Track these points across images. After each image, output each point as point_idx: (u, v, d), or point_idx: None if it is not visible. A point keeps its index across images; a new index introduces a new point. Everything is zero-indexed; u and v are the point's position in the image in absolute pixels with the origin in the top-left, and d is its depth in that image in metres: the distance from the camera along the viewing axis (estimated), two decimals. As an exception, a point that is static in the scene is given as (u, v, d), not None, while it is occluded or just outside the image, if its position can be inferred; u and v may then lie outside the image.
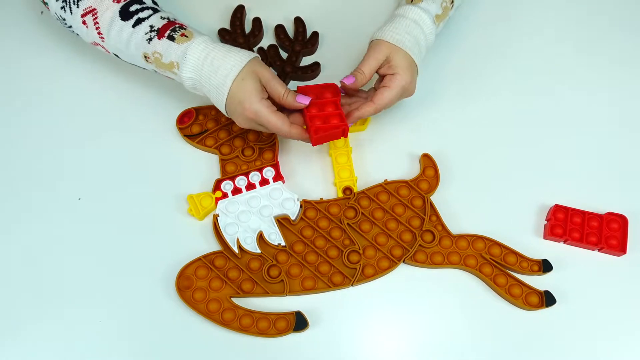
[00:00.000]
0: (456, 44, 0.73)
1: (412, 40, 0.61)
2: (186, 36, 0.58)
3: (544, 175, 0.66)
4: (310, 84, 0.64)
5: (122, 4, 0.59)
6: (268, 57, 0.71)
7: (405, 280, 0.61)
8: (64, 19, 0.62)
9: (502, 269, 0.61)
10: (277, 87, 0.58)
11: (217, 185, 0.64)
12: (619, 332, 0.59)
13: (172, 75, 0.60)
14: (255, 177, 0.64)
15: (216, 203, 0.63)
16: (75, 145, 0.67)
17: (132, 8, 0.59)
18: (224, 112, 0.60)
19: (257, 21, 0.73)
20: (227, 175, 0.65)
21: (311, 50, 0.72)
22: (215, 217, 0.62)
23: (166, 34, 0.58)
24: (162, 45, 0.58)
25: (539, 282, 0.61)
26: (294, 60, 0.71)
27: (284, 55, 0.72)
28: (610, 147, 0.68)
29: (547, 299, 0.59)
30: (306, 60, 0.72)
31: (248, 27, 0.73)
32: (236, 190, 0.64)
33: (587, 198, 0.64)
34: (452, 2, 0.65)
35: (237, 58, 0.57)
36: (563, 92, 0.71)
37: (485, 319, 0.60)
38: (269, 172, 0.65)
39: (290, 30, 0.73)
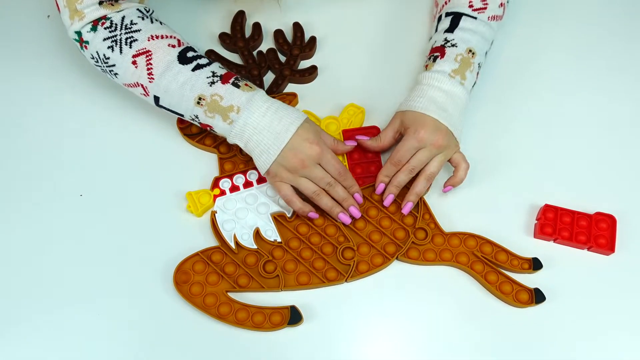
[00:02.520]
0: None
1: (425, 101, 0.63)
2: (250, 87, 0.61)
3: (535, 176, 0.67)
4: (352, 126, 0.69)
5: (179, 49, 0.61)
6: (267, 60, 0.73)
7: (398, 276, 0.62)
8: (108, 58, 0.61)
9: (493, 267, 0.62)
10: (328, 137, 0.63)
11: (215, 183, 0.66)
12: (606, 329, 0.60)
13: (218, 123, 0.60)
14: (252, 175, 0.66)
15: (214, 200, 0.64)
16: (77, 143, 0.69)
17: (189, 54, 0.61)
18: (267, 162, 0.60)
19: (256, 26, 0.75)
20: (225, 173, 0.66)
21: (309, 55, 0.74)
22: (213, 213, 0.64)
23: (230, 81, 0.60)
24: (225, 89, 0.59)
25: (529, 279, 0.62)
26: (292, 63, 0.73)
27: (282, 58, 0.74)
28: (600, 148, 0.69)
29: (537, 297, 0.60)
30: (304, 64, 0.74)
31: (248, 32, 0.75)
32: (234, 188, 0.65)
33: (576, 198, 0.65)
34: (470, 50, 0.64)
35: (299, 112, 0.61)
36: (554, 94, 0.72)
37: (476, 315, 0.61)
38: (266, 171, 0.66)
39: (289, 35, 0.75)
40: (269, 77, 0.72)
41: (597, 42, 0.76)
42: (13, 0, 0.78)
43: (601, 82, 0.73)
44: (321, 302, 0.61)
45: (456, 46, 0.65)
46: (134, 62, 0.60)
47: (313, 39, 0.74)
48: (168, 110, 0.63)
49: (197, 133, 0.68)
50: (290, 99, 0.70)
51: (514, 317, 0.60)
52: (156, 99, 0.62)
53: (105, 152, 0.68)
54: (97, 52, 0.61)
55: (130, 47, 0.60)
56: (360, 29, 0.76)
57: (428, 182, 0.63)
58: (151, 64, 0.60)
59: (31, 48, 0.75)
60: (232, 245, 0.62)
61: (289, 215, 0.64)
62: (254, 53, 0.74)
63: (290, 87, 0.73)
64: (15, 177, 0.67)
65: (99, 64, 0.62)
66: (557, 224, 0.64)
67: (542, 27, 0.77)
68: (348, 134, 0.68)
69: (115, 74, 0.62)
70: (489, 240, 0.63)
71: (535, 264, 0.62)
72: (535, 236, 0.64)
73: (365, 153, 0.67)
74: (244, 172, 0.66)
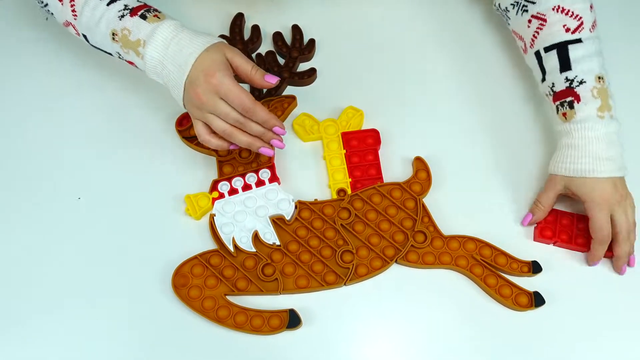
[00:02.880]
0: (450, 52, 0.75)
1: (591, 161, 0.59)
2: (158, 17, 0.58)
3: (534, 179, 0.67)
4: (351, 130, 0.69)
5: None
6: (266, 63, 0.73)
7: (398, 279, 0.62)
8: None
9: (492, 270, 0.62)
10: (244, 64, 0.57)
11: (214, 186, 0.65)
12: (606, 333, 0.60)
13: (134, 59, 0.59)
14: (251, 178, 0.66)
15: (213, 203, 0.64)
16: (76, 146, 0.69)
17: None
18: (179, 98, 0.58)
19: (255, 28, 0.75)
20: (224, 176, 0.66)
21: (308, 57, 0.74)
22: (212, 216, 0.64)
23: (139, 13, 0.58)
24: (132, 22, 0.57)
25: (528, 283, 0.61)
26: (291, 66, 0.73)
27: (281, 61, 0.74)
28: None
29: (537, 300, 0.60)
30: (303, 67, 0.74)
31: (247, 34, 0.75)
32: (233, 191, 0.65)
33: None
34: (599, 77, 0.60)
35: (205, 39, 0.57)
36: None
37: (475, 319, 0.60)
38: (265, 174, 0.66)
39: (287, 37, 0.75)
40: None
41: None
42: (11, 2, 0.78)
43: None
44: (320, 305, 0.61)
45: (585, 82, 0.59)
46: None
47: (312, 42, 0.74)
48: (99, 49, 0.61)
49: (195, 136, 0.68)
50: (289, 102, 0.70)
51: (513, 320, 0.60)
52: (85, 37, 0.61)
53: (103, 155, 0.68)
54: None
55: None
56: (359, 32, 0.76)
57: (632, 235, 0.61)
58: (73, 0, 0.59)
59: (29, 50, 0.75)
60: (231, 248, 0.62)
61: (287, 219, 0.64)
62: (253, 55, 0.74)
63: (289, 90, 0.73)
64: (13, 179, 0.67)
65: (39, 2, 0.63)
66: (556, 226, 0.64)
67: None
68: (347, 137, 0.68)
69: (52, 13, 0.62)
70: (488, 243, 0.63)
71: (534, 267, 0.62)
72: (534, 239, 0.64)
73: (364, 156, 0.67)
74: (243, 175, 0.66)
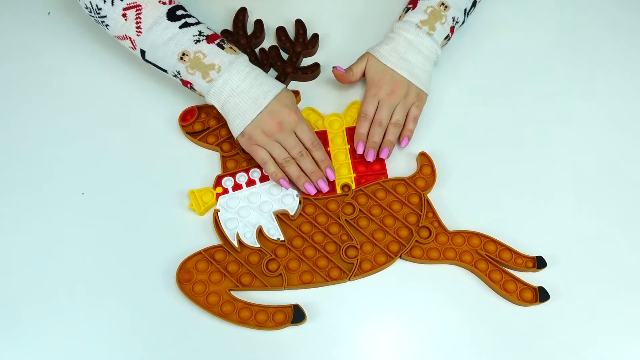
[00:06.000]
0: (454, 47, 0.74)
1: (388, 50, 0.67)
2: (235, 51, 0.63)
3: (538, 174, 0.67)
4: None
5: (169, 6, 0.63)
6: (269, 57, 0.73)
7: (402, 275, 0.62)
8: (100, 9, 0.63)
9: (497, 265, 0.62)
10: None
11: (217, 181, 0.65)
12: (611, 327, 0.60)
13: (198, 80, 0.62)
14: (255, 173, 0.66)
15: (217, 198, 0.64)
16: (80, 142, 0.69)
17: (179, 12, 0.63)
18: (239, 124, 0.62)
19: (259, 23, 0.74)
20: (227, 171, 0.66)
21: (311, 52, 0.74)
22: (216, 212, 0.64)
23: (216, 42, 0.62)
24: (209, 48, 0.62)
25: (533, 278, 0.62)
26: (294, 61, 0.72)
27: (284, 56, 0.73)
28: (604, 145, 0.69)
29: (541, 295, 0.60)
30: (306, 61, 0.74)
31: (250, 29, 0.75)
32: (236, 186, 0.65)
33: (581, 197, 0.65)
34: (443, 3, 0.67)
35: (277, 82, 0.64)
36: (557, 93, 0.72)
37: (480, 314, 0.60)
38: (269, 169, 0.66)
39: (291, 32, 0.75)
40: (271, 75, 0.72)
41: (601, 43, 0.76)
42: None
43: (607, 81, 0.73)
44: (324, 300, 0.61)
45: (429, 0, 0.67)
46: (124, 15, 0.62)
47: (315, 36, 0.74)
48: (153, 64, 0.64)
49: (199, 131, 0.68)
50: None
51: (518, 315, 0.60)
52: (142, 52, 0.64)
53: (107, 150, 0.68)
54: (90, 2, 0.63)
55: (122, 0, 0.62)
56: (363, 26, 0.76)
57: (397, 129, 0.66)
58: (140, 18, 0.62)
59: (32, 45, 0.74)
60: (235, 243, 0.62)
61: (292, 214, 0.64)
62: (256, 50, 0.74)
63: (293, 85, 0.72)
64: (17, 176, 0.67)
65: (92, 14, 0.64)
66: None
67: (546, 28, 0.77)
68: (352, 132, 0.68)
69: (107, 25, 0.64)
70: (493, 238, 0.63)
71: (539, 263, 0.62)
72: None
73: None
74: (247, 171, 0.66)
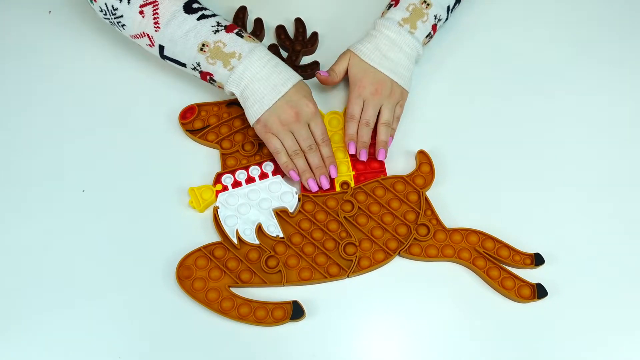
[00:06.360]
0: (452, 44, 0.75)
1: (370, 48, 0.67)
2: (253, 40, 0.64)
3: (536, 171, 0.67)
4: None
5: (184, 0, 0.63)
6: (269, 56, 0.73)
7: (400, 272, 0.62)
8: (116, 9, 0.63)
9: (495, 262, 0.62)
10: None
11: (217, 179, 0.66)
12: (609, 324, 0.60)
13: (218, 69, 0.62)
14: (254, 171, 0.66)
15: (216, 196, 0.65)
16: (80, 139, 0.69)
17: (195, 5, 0.64)
18: (256, 110, 0.62)
19: (258, 22, 0.75)
20: (227, 169, 0.66)
21: (311, 50, 0.74)
22: (216, 209, 0.64)
23: (235, 31, 0.63)
24: (229, 37, 0.62)
25: (531, 275, 0.62)
26: (294, 59, 0.73)
27: (284, 54, 0.74)
28: (602, 142, 0.69)
29: (539, 292, 0.60)
30: (306, 60, 0.74)
31: (250, 28, 0.75)
32: (236, 184, 0.65)
33: (579, 194, 0.66)
34: (425, 1, 0.67)
35: (296, 73, 0.64)
36: (556, 91, 0.72)
37: (478, 311, 0.61)
38: (268, 167, 0.66)
39: (290, 30, 0.75)
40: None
41: (601, 40, 0.76)
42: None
43: (607, 80, 0.73)
44: (323, 297, 0.61)
45: None
46: (141, 12, 0.62)
47: (315, 35, 0.74)
48: (171, 60, 0.65)
49: (199, 129, 0.68)
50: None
51: (516, 312, 0.60)
52: (161, 48, 0.64)
53: (107, 148, 0.68)
54: (105, 3, 0.63)
55: None
56: (362, 25, 0.76)
57: (388, 128, 0.66)
58: (157, 14, 0.62)
59: (32, 44, 0.75)
60: (235, 240, 0.62)
61: (291, 211, 0.64)
62: (256, 49, 0.74)
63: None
64: (17, 173, 0.67)
65: (108, 16, 0.64)
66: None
67: (544, 25, 0.77)
68: None
69: (123, 25, 0.64)
70: (491, 236, 0.63)
71: (537, 260, 0.62)
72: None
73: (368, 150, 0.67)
74: (246, 168, 0.66)
